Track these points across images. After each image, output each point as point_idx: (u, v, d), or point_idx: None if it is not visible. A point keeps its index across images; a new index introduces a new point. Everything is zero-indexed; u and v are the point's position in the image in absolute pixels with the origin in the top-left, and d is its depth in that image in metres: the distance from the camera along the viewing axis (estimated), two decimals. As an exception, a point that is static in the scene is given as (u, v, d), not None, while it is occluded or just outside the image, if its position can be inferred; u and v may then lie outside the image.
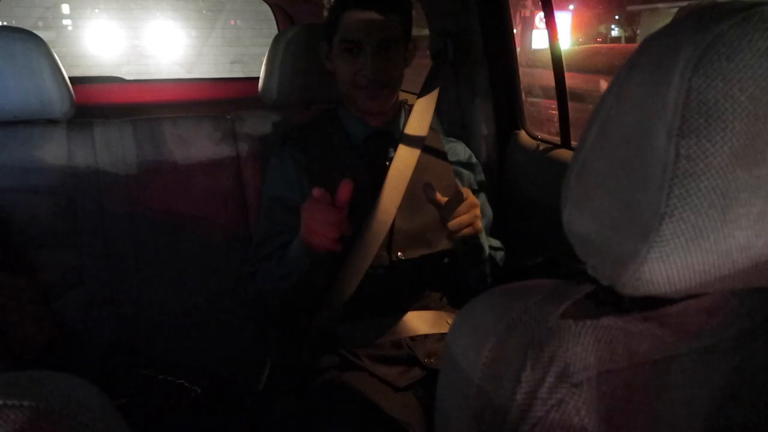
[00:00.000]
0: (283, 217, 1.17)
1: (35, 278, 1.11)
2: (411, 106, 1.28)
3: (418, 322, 1.16)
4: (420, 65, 1.41)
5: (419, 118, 1.25)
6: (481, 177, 1.32)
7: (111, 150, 1.28)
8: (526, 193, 1.43)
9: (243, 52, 7.38)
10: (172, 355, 1.22)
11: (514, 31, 1.47)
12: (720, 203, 0.36)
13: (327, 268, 1.08)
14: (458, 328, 0.49)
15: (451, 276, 1.25)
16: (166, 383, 1.12)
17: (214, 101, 1.65)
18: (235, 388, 1.20)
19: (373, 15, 1.08)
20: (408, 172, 1.18)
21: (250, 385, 1.22)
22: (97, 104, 1.55)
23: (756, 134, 0.35)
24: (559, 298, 0.45)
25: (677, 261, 0.39)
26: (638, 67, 0.41)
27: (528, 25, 10.11)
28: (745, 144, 0.35)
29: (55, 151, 1.23)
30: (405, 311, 1.16)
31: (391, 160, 1.19)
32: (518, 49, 1.48)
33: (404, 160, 1.19)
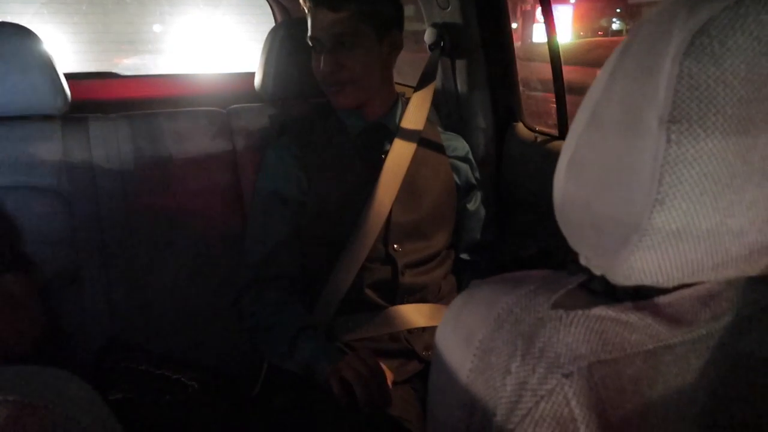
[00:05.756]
0: (278, 210, 1.16)
1: (30, 275, 1.11)
2: (408, 99, 1.28)
3: (416, 315, 1.15)
4: (420, 59, 1.40)
5: (416, 111, 1.24)
6: (478, 174, 1.31)
7: (106, 145, 1.27)
8: (524, 184, 1.43)
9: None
10: (169, 351, 1.21)
11: (515, 25, 1.46)
12: (712, 190, 0.36)
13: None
14: (449, 320, 0.49)
15: (448, 269, 1.24)
16: (163, 379, 1.11)
17: (211, 95, 1.64)
18: (232, 383, 1.20)
19: (325, 12, 1.07)
20: (404, 165, 1.18)
21: (248, 380, 1.21)
22: (92, 99, 1.54)
23: (749, 119, 0.35)
24: (551, 289, 0.45)
25: (669, 249, 0.38)
26: (629, 53, 0.40)
27: (529, 18, 10.07)
28: (737, 129, 0.35)
29: (50, 147, 1.22)
30: (402, 304, 1.16)
31: (386, 153, 1.18)
32: (519, 43, 1.48)
33: (400, 153, 1.18)
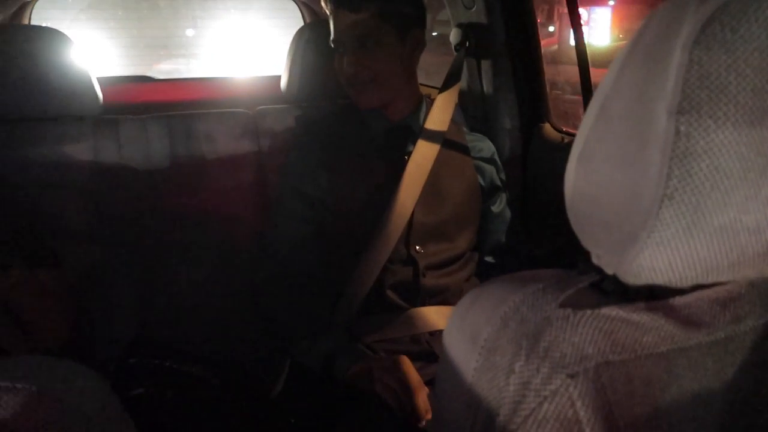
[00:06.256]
0: (300, 209, 1.17)
1: (60, 272, 1.14)
2: (433, 101, 1.27)
3: (437, 317, 1.14)
4: (445, 62, 1.39)
5: (440, 112, 1.23)
6: (503, 175, 1.30)
7: (135, 146, 1.30)
8: (551, 186, 1.40)
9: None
10: (193, 349, 1.23)
11: (552, 28, 1.45)
12: (724, 184, 0.34)
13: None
14: (456, 318, 0.48)
15: (471, 271, 1.23)
16: (187, 375, 1.13)
17: (240, 98, 1.67)
18: (255, 382, 1.21)
19: (345, 13, 1.08)
20: (427, 166, 1.17)
21: (270, 379, 1.23)
22: (126, 102, 1.59)
23: (763, 109, 0.33)
24: (560, 288, 0.44)
25: (679, 246, 0.37)
26: (639, 44, 0.39)
27: (567, 21, 9.91)
28: (750, 120, 0.33)
29: (81, 147, 1.26)
30: (424, 306, 1.15)
31: (410, 154, 1.18)
32: (556, 46, 1.46)
33: (424, 154, 1.18)
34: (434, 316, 1.15)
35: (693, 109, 0.33)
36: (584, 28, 1.31)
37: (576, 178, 0.43)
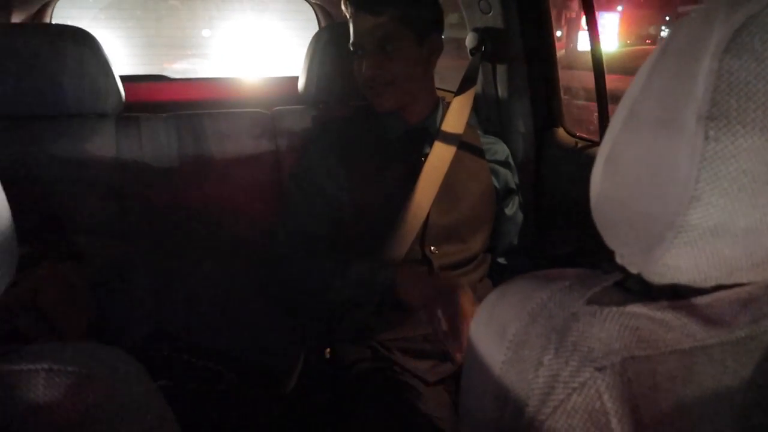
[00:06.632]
0: (317, 202, 1.18)
1: (81, 266, 1.17)
2: (449, 104, 1.29)
3: (451, 316, 1.15)
4: (463, 67, 1.41)
5: (456, 115, 1.25)
6: (517, 179, 1.31)
7: (156, 144, 1.32)
8: (564, 190, 1.41)
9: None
10: (210, 343, 1.25)
11: (559, 33, 1.46)
12: (751, 187, 0.36)
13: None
14: (482, 314, 0.49)
15: (484, 272, 1.24)
16: (204, 369, 1.15)
17: (256, 98, 1.69)
18: (269, 377, 1.23)
19: (366, 17, 1.10)
20: (443, 168, 1.18)
21: (284, 375, 1.24)
22: (143, 101, 1.61)
23: None
24: (586, 285, 0.45)
25: (705, 247, 0.38)
26: (668, 52, 0.40)
27: (574, 26, 9.92)
28: None
29: (104, 144, 1.28)
30: None
31: (426, 155, 1.19)
32: (563, 51, 1.47)
33: (440, 156, 1.19)
34: (447, 315, 1.16)
35: (722, 115, 0.35)
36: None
37: (603, 180, 0.45)
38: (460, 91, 1.31)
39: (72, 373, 0.42)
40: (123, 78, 1.30)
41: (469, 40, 1.45)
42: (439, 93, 1.29)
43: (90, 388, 0.42)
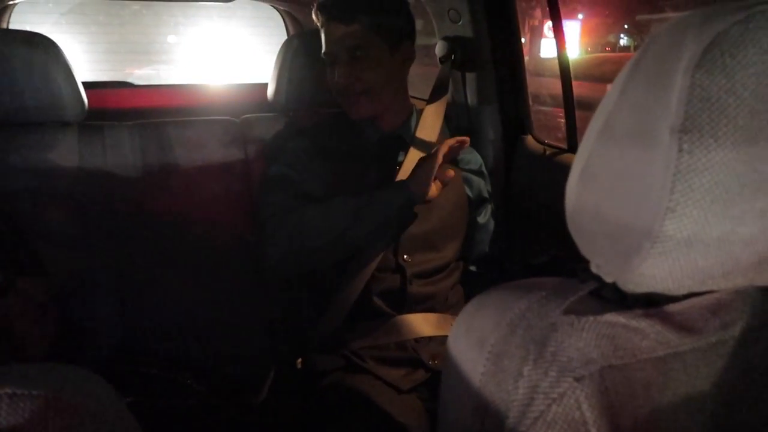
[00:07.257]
0: (292, 191, 1.14)
1: (43, 278, 1.13)
2: (422, 111, 1.29)
3: (423, 324, 1.16)
4: (431, 73, 1.41)
5: (430, 123, 1.26)
6: (490, 187, 1.32)
7: (120, 153, 1.29)
8: (533, 197, 1.43)
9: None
10: (179, 356, 1.22)
11: (522, 40, 1.48)
12: (723, 198, 0.37)
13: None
14: (461, 325, 0.49)
15: (456, 279, 1.25)
16: (173, 382, 1.12)
17: (224, 106, 1.67)
18: (240, 389, 1.20)
19: (337, 26, 1.10)
20: None
21: (255, 386, 1.22)
22: (107, 108, 1.57)
23: (759, 130, 0.36)
24: (562, 295, 0.46)
25: (680, 257, 0.39)
26: (641, 66, 0.41)
27: (537, 34, 10.13)
28: (747, 139, 0.36)
29: (66, 153, 1.24)
30: (410, 313, 1.17)
31: (401, 163, 1.19)
32: (527, 58, 1.49)
33: (414, 163, 1.19)
34: (420, 323, 1.16)
35: (695, 128, 0.36)
36: (553, 42, 1.34)
37: (578, 192, 0.45)
38: (432, 99, 1.31)
39: (37, 397, 0.40)
40: (86, 84, 1.27)
41: (439, 48, 1.46)
42: (411, 101, 1.29)
43: (56, 412, 0.40)
